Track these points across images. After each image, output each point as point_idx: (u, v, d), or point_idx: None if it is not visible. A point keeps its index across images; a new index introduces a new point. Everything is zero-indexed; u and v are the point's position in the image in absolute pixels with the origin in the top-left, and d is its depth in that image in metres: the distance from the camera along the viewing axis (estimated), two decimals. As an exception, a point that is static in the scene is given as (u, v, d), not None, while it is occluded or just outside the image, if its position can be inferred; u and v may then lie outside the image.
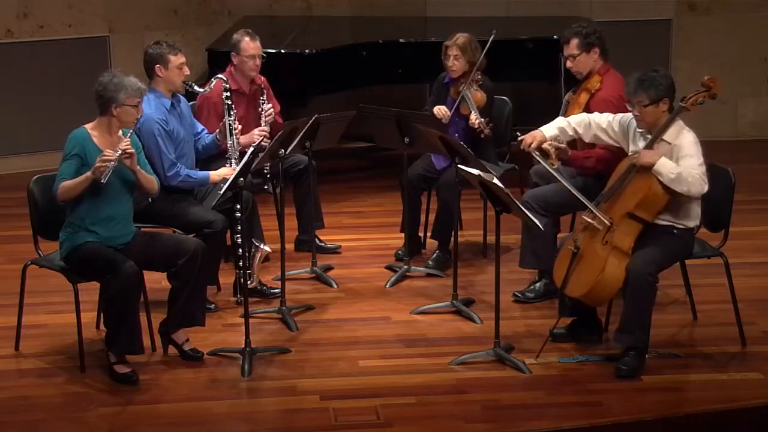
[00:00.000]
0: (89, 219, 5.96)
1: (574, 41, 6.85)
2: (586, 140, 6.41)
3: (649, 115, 6.03)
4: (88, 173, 5.82)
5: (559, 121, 6.44)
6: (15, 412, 5.69)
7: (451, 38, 7.50)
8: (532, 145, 6.30)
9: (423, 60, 8.73)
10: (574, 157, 6.55)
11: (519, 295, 6.90)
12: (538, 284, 6.93)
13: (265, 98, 7.32)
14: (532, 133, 6.35)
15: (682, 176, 5.91)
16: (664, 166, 5.93)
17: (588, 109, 6.68)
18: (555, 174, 6.24)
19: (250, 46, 7.34)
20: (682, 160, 5.96)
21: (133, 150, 5.89)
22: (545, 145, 6.43)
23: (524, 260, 6.89)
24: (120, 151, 5.82)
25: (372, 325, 6.66)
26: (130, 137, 5.93)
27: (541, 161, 6.27)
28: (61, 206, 6.01)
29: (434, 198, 7.63)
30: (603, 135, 6.31)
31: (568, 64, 6.89)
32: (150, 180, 6.10)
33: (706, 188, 5.96)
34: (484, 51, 7.46)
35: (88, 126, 6.03)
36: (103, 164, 5.77)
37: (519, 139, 6.37)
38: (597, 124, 6.32)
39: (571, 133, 6.38)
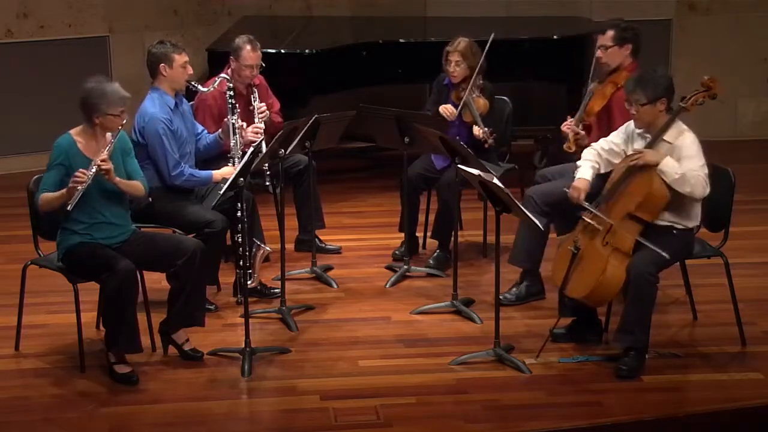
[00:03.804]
0: (81, 223, 5.95)
1: (610, 32, 6.84)
2: (603, 171, 6.26)
3: (645, 114, 6.02)
4: (65, 190, 5.79)
5: (586, 164, 6.25)
6: (15, 412, 5.69)
7: (452, 44, 7.47)
8: (581, 197, 6.14)
9: (423, 60, 8.72)
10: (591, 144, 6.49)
11: (501, 297, 6.79)
12: (520, 286, 6.87)
13: (256, 96, 7.31)
14: (575, 185, 6.17)
15: (686, 177, 5.90)
16: (669, 166, 5.91)
17: (610, 102, 6.64)
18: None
19: (250, 56, 7.30)
20: (684, 161, 5.95)
21: (110, 165, 5.81)
22: (565, 128, 6.44)
23: (515, 257, 6.83)
24: (95, 169, 5.77)
25: (372, 325, 6.66)
26: (117, 138, 5.90)
27: (590, 210, 6.11)
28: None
29: (434, 198, 7.63)
30: (612, 157, 6.21)
31: (599, 53, 6.85)
32: (134, 186, 6.05)
33: (708, 191, 5.95)
34: (483, 54, 7.44)
35: (73, 132, 5.99)
36: (74, 185, 5.72)
37: (569, 195, 6.17)
38: (603, 149, 6.25)
39: (603, 168, 6.23)
